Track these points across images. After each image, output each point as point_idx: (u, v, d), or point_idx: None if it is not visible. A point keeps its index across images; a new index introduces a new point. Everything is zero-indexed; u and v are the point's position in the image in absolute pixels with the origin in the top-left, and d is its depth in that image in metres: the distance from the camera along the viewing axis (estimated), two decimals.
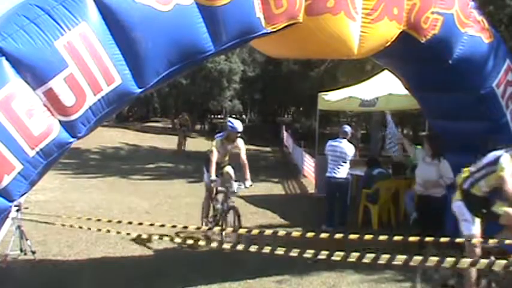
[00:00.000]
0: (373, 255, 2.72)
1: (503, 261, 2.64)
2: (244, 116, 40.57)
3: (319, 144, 9.93)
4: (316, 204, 8.78)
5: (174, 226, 4.74)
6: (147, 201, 9.23)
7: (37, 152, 3.10)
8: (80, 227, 3.87)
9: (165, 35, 3.41)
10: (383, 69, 8.33)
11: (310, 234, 3.65)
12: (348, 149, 7.18)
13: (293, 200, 10.12)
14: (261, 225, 7.38)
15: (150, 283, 4.88)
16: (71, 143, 3.28)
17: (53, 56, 3.02)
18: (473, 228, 4.10)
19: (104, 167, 14.52)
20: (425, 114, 6.79)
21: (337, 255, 2.75)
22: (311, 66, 19.39)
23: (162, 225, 4.40)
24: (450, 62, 5.03)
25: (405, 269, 5.04)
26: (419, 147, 6.37)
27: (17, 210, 4.53)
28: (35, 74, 3.01)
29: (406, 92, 6.35)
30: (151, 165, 15.57)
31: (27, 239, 5.27)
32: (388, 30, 4.51)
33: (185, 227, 4.01)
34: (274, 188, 11.62)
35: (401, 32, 4.62)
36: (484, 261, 2.80)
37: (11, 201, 3.15)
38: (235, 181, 6.32)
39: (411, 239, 3.37)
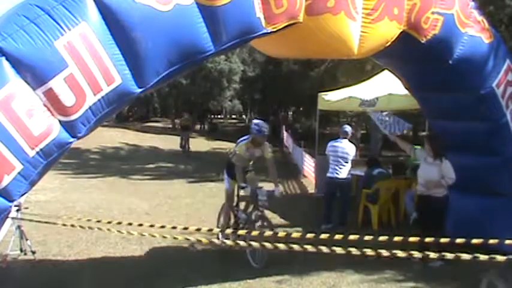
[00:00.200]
0: (373, 252, 2.72)
1: None
2: (244, 116, 40.61)
3: (319, 144, 9.93)
4: (316, 204, 8.77)
5: (174, 227, 4.72)
6: (147, 202, 9.23)
7: (37, 152, 3.10)
8: (81, 227, 3.86)
9: (165, 35, 3.41)
10: (383, 69, 8.32)
11: (310, 235, 3.65)
12: (349, 148, 7.19)
13: (293, 200, 10.10)
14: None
15: (150, 283, 4.88)
16: (71, 143, 3.28)
17: (53, 56, 3.02)
18: None
19: (104, 167, 14.52)
20: (425, 114, 6.79)
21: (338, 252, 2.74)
22: (311, 66, 19.37)
23: (162, 227, 4.38)
24: (450, 62, 5.03)
25: (405, 269, 5.09)
26: (419, 147, 6.37)
27: (17, 210, 4.53)
28: (35, 74, 3.01)
29: (406, 92, 6.35)
30: (151, 165, 15.57)
31: (27, 239, 5.27)
32: (388, 30, 4.51)
33: (185, 228, 4.00)
34: None
35: (401, 32, 4.61)
36: None
37: (11, 201, 3.15)
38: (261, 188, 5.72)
39: (411, 239, 3.36)
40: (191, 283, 4.81)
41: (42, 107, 3.08)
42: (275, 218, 8.09)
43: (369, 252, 2.76)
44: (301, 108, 28.80)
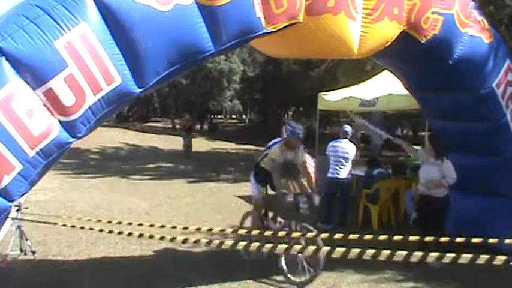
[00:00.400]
0: (373, 250, 2.72)
1: None
2: (244, 116, 40.62)
3: (319, 144, 9.91)
4: None
5: (174, 227, 4.73)
6: (147, 202, 9.22)
7: (37, 152, 3.10)
8: (82, 228, 3.87)
9: (165, 35, 3.41)
10: (383, 69, 8.32)
11: (310, 234, 3.66)
12: (349, 148, 7.19)
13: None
14: None
15: (150, 283, 4.88)
16: (70, 143, 3.28)
17: (53, 56, 3.03)
18: None
19: (104, 167, 14.51)
20: (425, 114, 6.79)
21: (338, 252, 2.74)
22: (311, 66, 19.36)
23: (162, 226, 4.39)
24: (450, 62, 5.03)
25: (405, 269, 5.08)
26: (418, 147, 6.37)
27: (17, 210, 4.52)
28: (35, 74, 3.02)
29: (406, 92, 6.35)
30: (151, 165, 15.56)
31: (27, 239, 5.26)
32: (388, 30, 4.51)
33: (185, 228, 4.00)
34: None
35: (401, 32, 4.62)
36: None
37: (11, 201, 3.16)
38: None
39: (411, 239, 3.36)
40: (191, 283, 4.81)
41: (42, 107, 3.08)
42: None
43: (369, 251, 2.75)
44: (301, 108, 28.78)
